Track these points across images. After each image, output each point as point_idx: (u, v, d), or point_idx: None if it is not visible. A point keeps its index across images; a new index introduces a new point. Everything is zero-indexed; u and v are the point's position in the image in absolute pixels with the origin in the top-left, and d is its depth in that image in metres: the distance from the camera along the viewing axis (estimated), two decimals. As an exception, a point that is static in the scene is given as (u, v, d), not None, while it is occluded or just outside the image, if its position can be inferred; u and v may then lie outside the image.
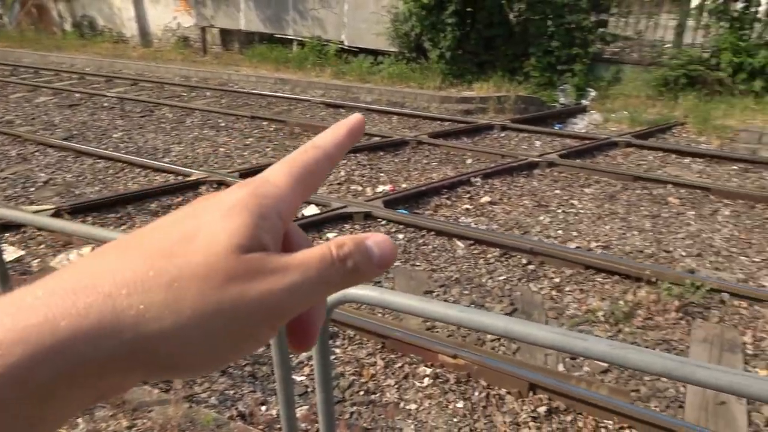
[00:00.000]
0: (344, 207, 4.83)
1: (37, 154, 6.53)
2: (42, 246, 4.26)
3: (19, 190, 5.44)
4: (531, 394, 2.82)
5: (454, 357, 3.01)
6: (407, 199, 5.25)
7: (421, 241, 4.53)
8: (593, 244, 4.56)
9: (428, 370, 3.04)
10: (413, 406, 2.82)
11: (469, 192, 5.56)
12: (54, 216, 4.55)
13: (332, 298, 1.46)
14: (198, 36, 13.89)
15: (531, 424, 2.67)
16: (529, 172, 6.22)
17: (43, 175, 5.86)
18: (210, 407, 2.74)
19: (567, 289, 3.90)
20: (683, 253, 4.44)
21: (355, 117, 0.41)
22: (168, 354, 0.29)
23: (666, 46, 9.75)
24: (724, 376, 1.11)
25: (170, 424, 2.46)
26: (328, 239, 4.45)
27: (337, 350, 3.22)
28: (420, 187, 5.43)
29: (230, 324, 0.30)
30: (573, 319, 3.55)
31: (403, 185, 5.76)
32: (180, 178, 5.65)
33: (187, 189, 5.38)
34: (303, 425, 2.67)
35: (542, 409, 2.73)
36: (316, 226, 4.60)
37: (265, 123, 8.09)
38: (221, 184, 5.46)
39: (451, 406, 2.80)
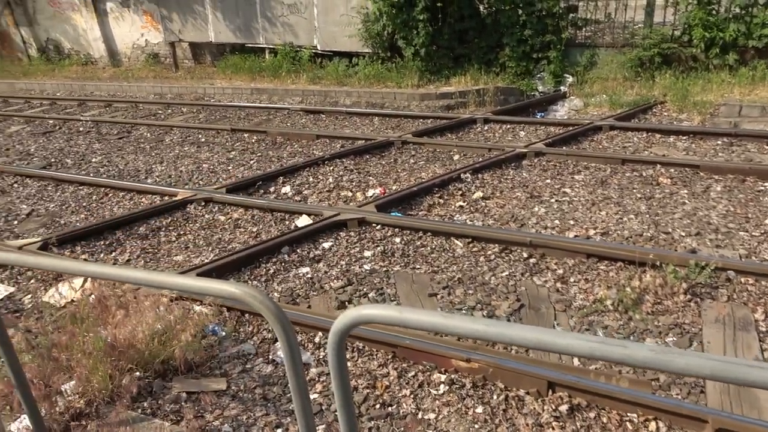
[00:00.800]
0: (337, 214, 4.75)
1: (15, 185, 6.35)
2: (32, 281, 4.12)
3: (2, 224, 5.27)
4: (550, 392, 2.77)
5: (468, 361, 2.95)
6: (400, 201, 5.19)
7: (418, 243, 4.47)
8: (591, 232, 4.54)
9: (443, 377, 2.98)
10: (432, 416, 2.75)
11: (460, 189, 5.51)
12: (42, 249, 4.41)
13: (346, 319, 1.37)
14: (168, 52, 13.67)
15: (554, 424, 2.62)
16: (518, 164, 6.19)
17: (24, 206, 5.69)
18: (225, 436, 2.66)
19: (571, 279, 3.87)
20: (682, 234, 4.44)
21: None
22: None
23: (637, 26, 9.81)
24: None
25: (186, 460, 2.37)
26: (324, 249, 4.39)
27: (348, 363, 3.14)
28: (411, 188, 5.37)
29: None
30: (581, 311, 3.51)
31: (394, 187, 5.69)
32: (166, 198, 5.52)
33: (175, 209, 5.25)
34: (323, 446, 2.59)
35: (564, 408, 2.69)
36: (311, 237, 4.52)
37: (246, 135, 7.97)
38: (209, 202, 5.34)
39: (470, 413, 2.75)
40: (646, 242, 4.33)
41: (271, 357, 3.21)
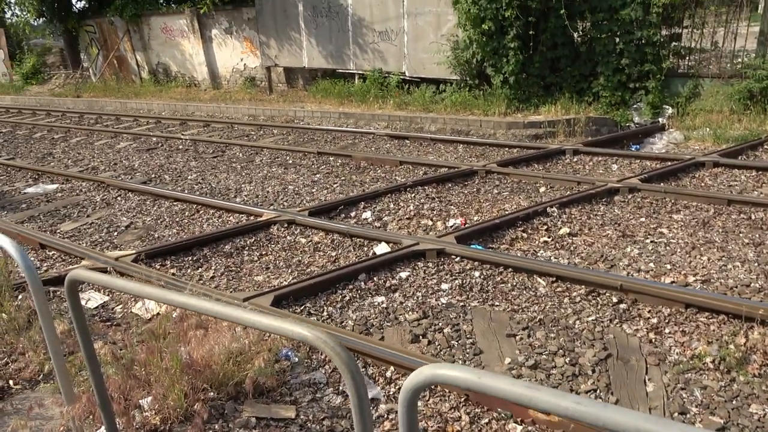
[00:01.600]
0: (416, 244, 4.69)
1: (119, 198, 6.82)
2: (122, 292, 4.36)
3: (104, 235, 5.66)
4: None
5: (548, 414, 2.75)
6: (480, 233, 5.04)
7: (498, 278, 4.30)
8: (691, 279, 4.17)
9: (519, 427, 2.80)
10: (505, 468, 2.58)
11: (545, 223, 5.28)
12: (135, 261, 4.67)
13: (420, 377, 1.29)
14: (264, 75, 14.37)
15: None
16: (610, 199, 5.86)
17: (125, 219, 6.09)
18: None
19: (666, 331, 3.56)
20: (797, 286, 3.98)
21: None
22: None
23: (748, 56, 9.12)
24: None
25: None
26: (401, 279, 4.32)
27: (418, 402, 3.04)
28: (493, 220, 5.21)
29: None
30: (677, 366, 3.21)
31: (475, 218, 5.56)
32: (252, 218, 5.71)
33: (259, 229, 5.41)
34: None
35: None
36: (389, 266, 4.47)
37: (331, 158, 8.14)
38: (291, 223, 5.46)
39: (548, 469, 2.55)
40: (754, 294, 3.92)
41: (341, 388, 3.17)
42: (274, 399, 3.04)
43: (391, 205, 5.99)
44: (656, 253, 4.63)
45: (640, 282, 4.00)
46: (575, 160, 7.53)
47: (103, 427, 2.32)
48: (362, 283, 4.27)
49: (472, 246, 4.76)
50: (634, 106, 9.38)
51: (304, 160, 8.20)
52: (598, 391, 3.02)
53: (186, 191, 6.90)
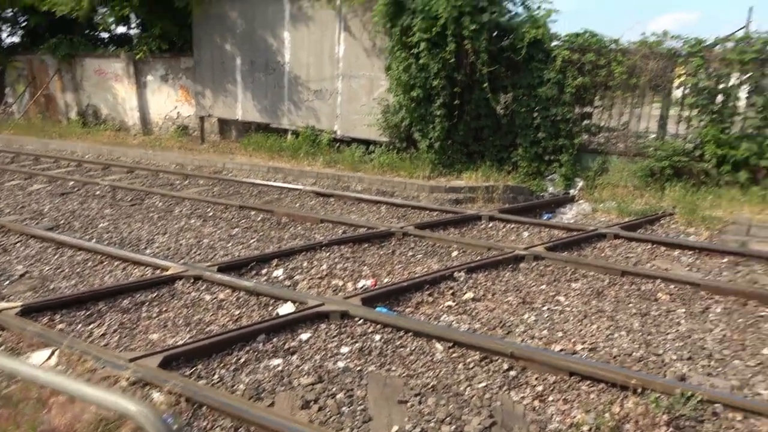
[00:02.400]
0: (321, 305, 4.69)
1: (18, 245, 6.47)
2: (1, 347, 4.09)
3: (-7, 284, 5.33)
4: None
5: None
6: (388, 296, 5.11)
7: (398, 342, 4.35)
8: (579, 347, 4.37)
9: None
10: None
11: (452, 288, 5.42)
12: (22, 314, 4.42)
13: None
14: (197, 125, 14.30)
15: None
16: (515, 266, 6.11)
17: (20, 267, 5.77)
18: None
19: (550, 398, 3.68)
20: (674, 357, 4.25)
21: None
22: None
23: (650, 137, 9.96)
24: None
25: None
26: (301, 341, 4.29)
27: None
28: (401, 283, 5.31)
29: None
30: (555, 435, 3.31)
31: (386, 279, 5.64)
32: (157, 271, 5.55)
33: (163, 284, 5.26)
34: None
35: None
36: (290, 327, 4.44)
37: (253, 213, 8.10)
38: (198, 279, 5.35)
39: None
40: (635, 363, 4.14)
41: (219, 456, 3.06)
42: (144, 468, 2.90)
43: (305, 264, 5.99)
44: (551, 321, 4.83)
45: (530, 349, 4.15)
46: (490, 225, 7.84)
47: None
48: (260, 344, 4.21)
49: (377, 309, 4.80)
50: (549, 177, 9.96)
51: (225, 213, 8.11)
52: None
53: (94, 240, 6.65)
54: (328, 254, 6.30)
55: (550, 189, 9.81)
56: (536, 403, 3.65)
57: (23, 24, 17.66)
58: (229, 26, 13.13)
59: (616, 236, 7.19)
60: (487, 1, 9.61)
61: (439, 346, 4.30)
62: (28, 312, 4.45)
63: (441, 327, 4.56)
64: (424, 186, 9.53)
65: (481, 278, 5.70)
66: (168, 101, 14.92)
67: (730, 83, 9.03)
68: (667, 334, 4.63)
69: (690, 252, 6.76)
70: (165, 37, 14.05)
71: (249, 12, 12.78)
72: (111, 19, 14.71)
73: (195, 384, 3.58)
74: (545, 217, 8.75)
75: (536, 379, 3.90)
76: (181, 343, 4.13)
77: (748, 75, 8.84)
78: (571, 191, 9.63)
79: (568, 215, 8.90)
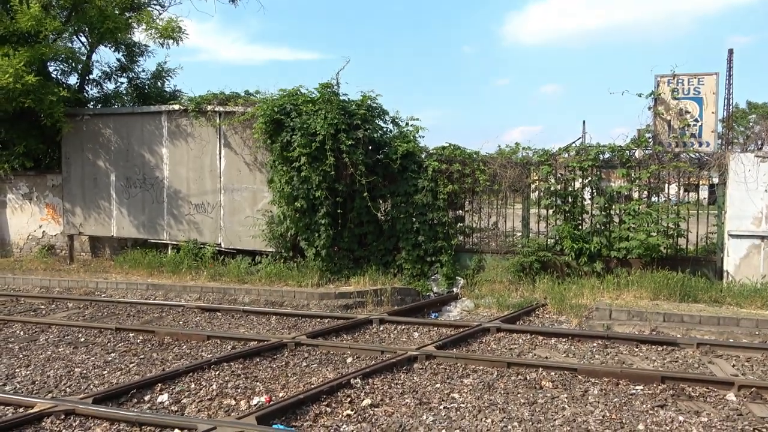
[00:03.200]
0: (213, 429, 4.40)
1: None
2: None
3: None
4: None
5: None
6: (284, 411, 4.92)
7: (299, 460, 4.17)
8: (476, 442, 4.47)
9: None
10: None
11: (349, 395, 5.36)
12: None
13: None
14: (65, 244, 13.33)
15: None
16: (409, 367, 6.22)
17: None
18: None
19: (455, 499, 3.69)
20: (562, 441, 4.48)
21: None
22: None
23: (517, 235, 10.95)
24: None
25: None
26: (193, 471, 3.95)
27: None
28: (297, 396, 5.16)
29: None
30: None
31: (281, 394, 5.45)
32: (21, 410, 4.91)
33: (27, 424, 4.65)
34: None
35: None
36: (180, 457, 4.10)
37: (131, 334, 7.55)
38: (70, 414, 4.81)
39: None
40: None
41: None
42: None
43: (192, 386, 5.64)
44: (448, 419, 4.92)
45: (432, 450, 4.17)
46: (381, 329, 7.97)
47: None
48: (146, 480, 3.82)
49: (273, 426, 4.61)
50: (432, 277, 10.45)
51: (99, 337, 7.48)
52: None
53: (-63, 381, 5.78)
54: (217, 373, 5.99)
55: (435, 288, 10.27)
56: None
57: None
58: (102, 143, 12.83)
59: (499, 329, 7.63)
60: (360, 119, 10.42)
61: (341, 458, 4.18)
62: None
63: (342, 438, 4.45)
64: (314, 293, 9.54)
65: (377, 382, 5.71)
66: (32, 220, 13.85)
67: (576, 186, 10.37)
68: (555, 420, 4.90)
69: (564, 339, 7.33)
70: (29, 155, 13.32)
71: (124, 129, 12.64)
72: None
73: None
74: (433, 316, 9.08)
75: (440, 480, 3.91)
76: (50, 491, 3.63)
77: (588, 179, 10.24)
78: (454, 289, 10.15)
79: (454, 313, 9.31)
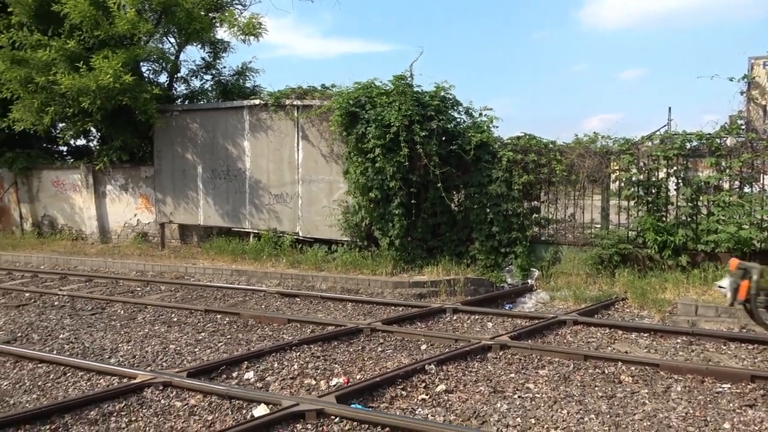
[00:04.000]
0: (296, 405, 4.67)
1: (-28, 361, 6.21)
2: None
3: (-55, 404, 5.07)
4: None
5: None
6: (362, 392, 5.13)
7: (376, 438, 4.35)
8: (552, 432, 4.48)
9: None
10: None
11: (424, 381, 5.50)
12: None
13: None
14: (157, 231, 14.30)
15: None
16: (483, 356, 6.26)
17: (-25, 384, 5.52)
18: None
19: (529, 484, 3.74)
20: (642, 436, 4.40)
21: None
22: None
23: (596, 227, 10.64)
24: None
25: None
26: (279, 444, 4.23)
27: None
28: (374, 378, 5.36)
29: None
30: None
31: (358, 376, 5.67)
32: (124, 380, 5.42)
33: (131, 393, 5.13)
34: None
35: None
36: (266, 429, 4.39)
37: (219, 316, 8.06)
38: (168, 386, 5.25)
39: None
40: (605, 445, 4.26)
41: None
42: None
43: (276, 365, 5.97)
44: (523, 408, 4.94)
45: (506, 436, 4.23)
46: (455, 318, 8.04)
47: None
48: (237, 448, 4.13)
49: (352, 405, 4.82)
50: (506, 268, 10.37)
51: (190, 317, 8.04)
52: None
53: (55, 351, 6.45)
54: (298, 354, 6.30)
55: (509, 280, 10.19)
56: (517, 490, 3.69)
57: (-21, 139, 17.69)
58: (190, 137, 13.62)
59: (576, 322, 7.49)
60: (434, 110, 10.47)
61: (416, 439, 4.32)
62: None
63: (418, 420, 4.60)
64: (388, 282, 9.74)
65: (451, 369, 5.80)
66: (127, 209, 14.95)
67: (660, 176, 9.92)
68: (635, 414, 4.80)
69: (646, 334, 7.10)
70: (126, 149, 14.36)
71: (210, 123, 13.36)
72: (70, 133, 14.97)
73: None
74: (507, 308, 9.03)
75: (515, 465, 3.96)
76: (154, 452, 4.02)
77: (673, 169, 9.77)
78: (529, 281, 10.02)
79: (528, 304, 9.21)
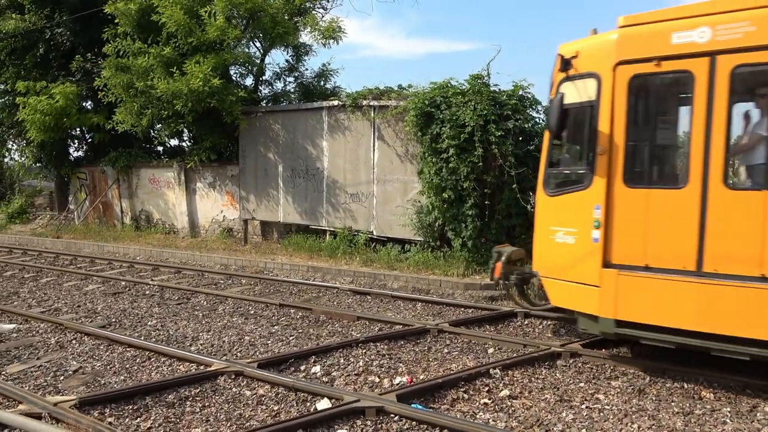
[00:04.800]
0: (357, 401, 4.77)
1: (74, 341, 6.84)
2: None
3: (49, 379, 5.62)
4: None
5: None
6: (423, 393, 5.15)
7: (434, 439, 4.36)
8: (618, 446, 4.28)
9: None
10: None
11: (488, 385, 5.43)
12: (74, 407, 4.65)
13: None
14: (241, 227, 15.04)
15: None
16: (552, 363, 6.08)
17: (75, 363, 6.08)
18: None
19: (589, 499, 3.60)
20: (719, 458, 4.11)
21: None
22: None
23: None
24: None
25: None
26: (338, 439, 4.35)
27: None
28: (437, 380, 5.36)
29: None
30: None
31: (421, 376, 5.69)
32: (201, 367, 5.77)
33: (206, 380, 5.45)
34: None
35: None
36: (327, 422, 4.52)
37: (292, 311, 8.36)
38: (239, 375, 5.53)
39: None
40: (678, 464, 4.03)
41: None
42: None
43: (342, 360, 6.12)
44: (590, 419, 4.76)
45: (568, 447, 4.09)
46: (525, 322, 7.85)
47: None
48: (298, 439, 4.29)
49: (412, 405, 4.85)
50: (584, 273, 9.95)
51: (266, 311, 8.40)
52: None
53: (142, 337, 6.97)
54: (364, 351, 6.42)
55: (586, 285, 9.77)
56: (576, 503, 3.57)
57: (89, 140, 19.41)
58: (272, 137, 14.20)
59: (655, 333, 7.08)
60: (511, 109, 10.25)
61: (475, 443, 4.28)
62: (82, 405, 4.68)
63: (478, 424, 4.55)
64: (459, 283, 9.67)
65: (517, 375, 5.69)
66: (215, 206, 15.83)
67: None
68: (712, 433, 4.50)
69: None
70: (214, 149, 15.21)
71: (290, 124, 13.86)
72: (166, 133, 16.10)
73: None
74: (582, 314, 8.67)
75: (575, 478, 3.83)
76: (222, 437, 4.25)
77: None
78: (607, 288, 9.57)
79: (606, 312, 8.80)
